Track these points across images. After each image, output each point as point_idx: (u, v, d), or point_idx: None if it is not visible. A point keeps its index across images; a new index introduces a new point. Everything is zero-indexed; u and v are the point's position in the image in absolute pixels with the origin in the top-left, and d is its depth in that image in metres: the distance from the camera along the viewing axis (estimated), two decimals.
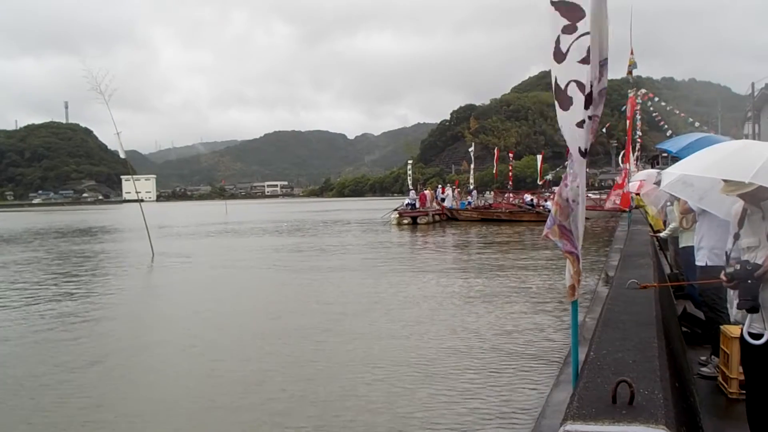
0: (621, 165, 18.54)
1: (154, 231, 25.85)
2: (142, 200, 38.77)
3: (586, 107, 2.69)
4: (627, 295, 4.42)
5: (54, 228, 44.86)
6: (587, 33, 2.64)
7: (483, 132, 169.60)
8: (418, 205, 37.48)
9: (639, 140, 29.27)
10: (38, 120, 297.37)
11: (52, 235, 36.30)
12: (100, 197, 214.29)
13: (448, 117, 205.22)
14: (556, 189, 3.05)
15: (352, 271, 16.34)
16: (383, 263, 17.77)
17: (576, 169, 2.87)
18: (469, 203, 42.13)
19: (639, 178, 10.96)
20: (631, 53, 14.82)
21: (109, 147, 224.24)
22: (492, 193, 55.29)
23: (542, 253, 18.83)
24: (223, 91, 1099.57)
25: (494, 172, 58.16)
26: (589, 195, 42.35)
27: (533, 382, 6.71)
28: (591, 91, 2.67)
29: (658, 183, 7.55)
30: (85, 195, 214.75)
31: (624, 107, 15.13)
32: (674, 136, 17.65)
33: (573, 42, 2.68)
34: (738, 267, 2.88)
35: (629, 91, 14.89)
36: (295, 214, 59.82)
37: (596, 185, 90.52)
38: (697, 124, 34.20)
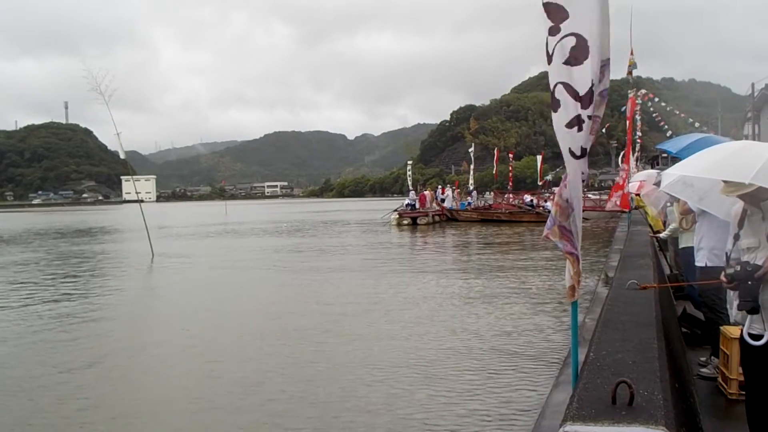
0: (621, 165, 18.53)
1: (154, 231, 25.85)
2: (142, 201, 38.79)
3: (585, 107, 2.68)
4: (627, 296, 4.41)
5: (54, 228, 44.85)
6: (570, 34, 2.64)
7: (483, 132, 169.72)
8: (417, 206, 37.47)
9: (639, 141, 29.27)
10: (38, 120, 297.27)
11: (52, 236, 36.30)
12: (100, 198, 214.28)
13: (448, 117, 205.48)
14: (556, 190, 3.05)
15: (352, 271, 16.34)
16: (383, 264, 17.76)
17: (568, 170, 2.87)
18: (469, 204, 42.12)
19: (639, 179, 10.97)
20: (631, 53, 14.82)
21: (109, 147, 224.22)
22: (492, 193, 55.27)
23: (542, 253, 18.83)
24: (223, 92, 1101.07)
25: (494, 172, 58.18)
26: (589, 195, 42.42)
27: (533, 383, 6.70)
28: (592, 91, 2.67)
29: (657, 184, 7.55)
30: (84, 195, 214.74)
31: (624, 108, 15.12)
32: (674, 136, 17.66)
33: (557, 43, 2.68)
34: (738, 268, 2.87)
35: (629, 91, 14.87)
36: (295, 214, 59.83)
37: (596, 185, 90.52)
38: (697, 124, 34.27)
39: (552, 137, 3.10)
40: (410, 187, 44.24)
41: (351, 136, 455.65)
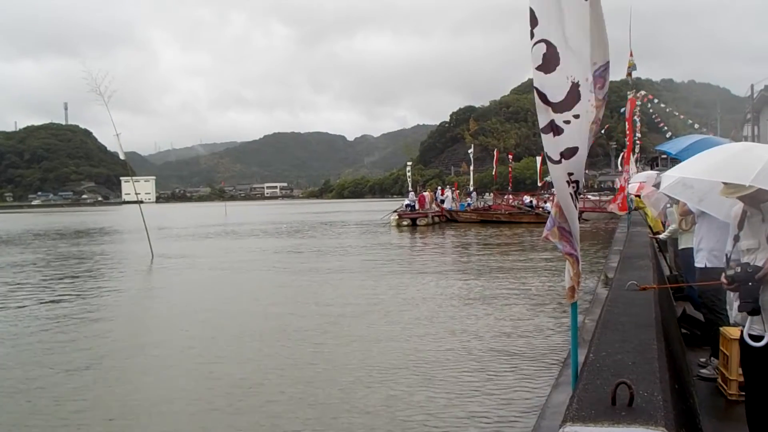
0: (620, 167, 18.52)
1: (154, 232, 25.85)
2: (141, 201, 38.75)
3: (559, 111, 2.68)
4: (626, 297, 4.41)
5: (53, 229, 44.83)
6: (541, 41, 2.64)
7: (482, 134, 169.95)
8: (417, 207, 37.47)
9: (638, 142, 29.25)
10: (38, 121, 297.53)
11: (51, 237, 36.28)
12: (100, 198, 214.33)
13: (447, 119, 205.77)
14: (555, 190, 3.04)
15: (352, 272, 16.33)
16: (382, 265, 17.75)
17: (551, 174, 2.87)
18: (469, 205, 42.13)
19: (638, 180, 10.98)
20: (631, 55, 14.82)
21: (108, 148, 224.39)
22: (491, 194, 55.27)
23: (541, 254, 18.82)
24: (223, 93, 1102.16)
25: (494, 173, 58.11)
26: (588, 196, 42.44)
27: (532, 384, 6.70)
28: (569, 97, 2.66)
29: (657, 185, 7.55)
30: (84, 196, 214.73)
31: (623, 109, 15.11)
32: (674, 137, 17.67)
33: (532, 48, 2.68)
34: (738, 269, 2.87)
35: (628, 92, 14.86)
36: (295, 215, 59.82)
37: (596, 186, 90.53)
38: (696, 125, 34.26)
39: None
40: (410, 188, 44.25)
41: (350, 137, 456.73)
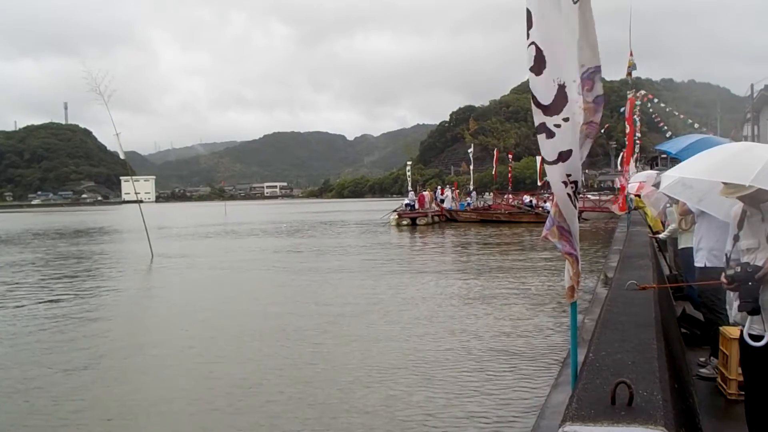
0: (620, 167, 18.52)
1: (153, 232, 25.84)
2: (141, 201, 38.76)
3: (549, 115, 2.68)
4: (626, 297, 4.40)
5: (53, 229, 44.82)
6: (532, 43, 2.64)
7: (482, 133, 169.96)
8: (417, 206, 37.48)
9: (638, 141, 29.25)
10: (37, 121, 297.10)
11: (51, 236, 36.28)
12: (100, 198, 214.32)
13: (447, 118, 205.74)
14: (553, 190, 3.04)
15: (351, 272, 16.33)
16: (382, 264, 17.75)
17: (547, 174, 2.87)
18: (469, 204, 42.13)
19: (638, 180, 10.97)
20: (630, 54, 14.82)
21: (108, 148, 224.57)
22: (491, 194, 55.26)
23: (541, 254, 18.82)
24: (222, 93, 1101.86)
25: (493, 173, 58.09)
26: (588, 196, 42.42)
27: (532, 383, 6.69)
28: (557, 100, 2.66)
29: (657, 185, 7.55)
30: (84, 196, 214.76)
31: (623, 108, 15.12)
32: (673, 137, 17.67)
33: (527, 49, 2.69)
34: (738, 269, 2.87)
35: (628, 92, 14.85)
36: (295, 215, 59.82)
37: (596, 186, 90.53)
38: (696, 125, 34.26)
39: None
40: (409, 188, 44.25)
41: (350, 137, 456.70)
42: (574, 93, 2.64)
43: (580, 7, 2.53)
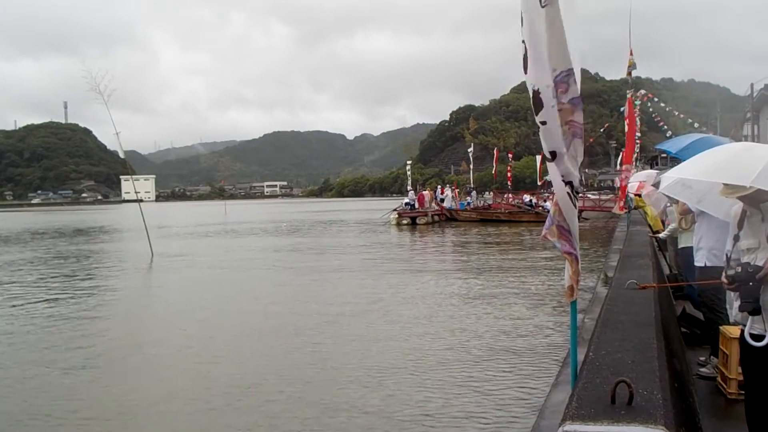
0: (619, 167, 18.52)
1: (153, 231, 25.83)
2: (141, 200, 38.78)
3: (536, 113, 2.70)
4: (626, 296, 4.40)
5: (53, 228, 44.81)
6: (522, 41, 2.65)
7: (482, 132, 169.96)
8: (417, 206, 37.48)
9: (638, 141, 29.23)
10: (37, 120, 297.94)
11: (51, 235, 36.27)
12: (99, 197, 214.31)
13: (447, 117, 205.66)
14: (554, 190, 3.04)
15: (351, 271, 16.33)
16: (382, 264, 17.75)
17: (549, 173, 2.88)
18: (468, 204, 42.12)
19: (639, 179, 10.97)
20: (631, 54, 14.80)
21: (108, 147, 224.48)
22: (491, 193, 55.24)
23: (541, 253, 18.82)
24: (222, 92, 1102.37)
25: (493, 172, 58.05)
26: (588, 195, 42.40)
27: (532, 383, 6.69)
28: (540, 99, 2.66)
29: (656, 185, 7.54)
30: (84, 195, 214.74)
31: (623, 108, 15.11)
32: (673, 136, 17.65)
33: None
34: (739, 269, 2.87)
35: (627, 92, 14.84)
36: (295, 214, 59.82)
37: (596, 185, 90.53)
38: (696, 124, 34.24)
39: None
40: (409, 187, 44.24)
41: (350, 136, 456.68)
42: (548, 96, 2.65)
43: (548, 12, 2.52)
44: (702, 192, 3.69)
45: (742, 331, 2.99)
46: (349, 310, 11.05)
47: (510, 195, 47.32)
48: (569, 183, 2.84)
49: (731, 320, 3.42)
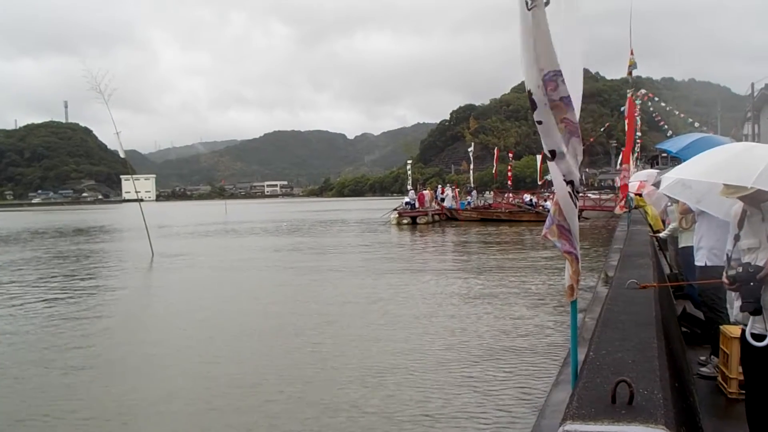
0: (619, 167, 18.53)
1: (154, 231, 25.83)
2: (141, 200, 38.79)
3: (532, 112, 2.71)
4: (626, 295, 4.39)
5: (53, 227, 44.83)
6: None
7: (483, 132, 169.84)
8: (417, 205, 37.49)
9: (639, 141, 29.25)
10: (38, 119, 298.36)
11: (51, 235, 36.27)
12: (100, 197, 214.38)
13: (447, 117, 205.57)
14: (554, 189, 3.04)
15: (351, 271, 16.32)
16: (382, 263, 17.75)
17: (551, 172, 2.88)
18: (469, 203, 42.11)
19: (639, 179, 10.96)
20: (631, 53, 14.79)
21: (108, 146, 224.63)
22: (491, 193, 55.25)
23: (542, 253, 18.81)
24: (223, 92, 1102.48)
25: (494, 172, 58.10)
26: (589, 195, 42.39)
27: (532, 382, 6.69)
28: (532, 99, 2.67)
29: (656, 184, 7.54)
30: (84, 194, 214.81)
31: (623, 107, 15.12)
32: (674, 136, 17.64)
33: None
34: (740, 270, 2.87)
35: (628, 91, 14.85)
36: (295, 214, 59.82)
37: (596, 185, 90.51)
38: (696, 124, 34.21)
39: None
40: (409, 187, 44.23)
41: (351, 136, 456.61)
42: (541, 96, 2.66)
43: (534, 14, 2.53)
44: (702, 192, 3.69)
45: (743, 331, 2.99)
46: (349, 310, 11.05)
47: (510, 194, 47.31)
48: (570, 182, 2.84)
49: (731, 320, 3.41)
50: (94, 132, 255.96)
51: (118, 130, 22.69)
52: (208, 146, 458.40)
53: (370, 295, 12.39)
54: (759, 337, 2.86)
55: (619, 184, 15.00)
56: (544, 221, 3.13)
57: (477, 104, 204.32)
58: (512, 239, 25.47)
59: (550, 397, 4.32)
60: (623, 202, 13.01)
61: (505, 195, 47.18)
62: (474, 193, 47.70)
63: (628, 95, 14.05)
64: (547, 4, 2.89)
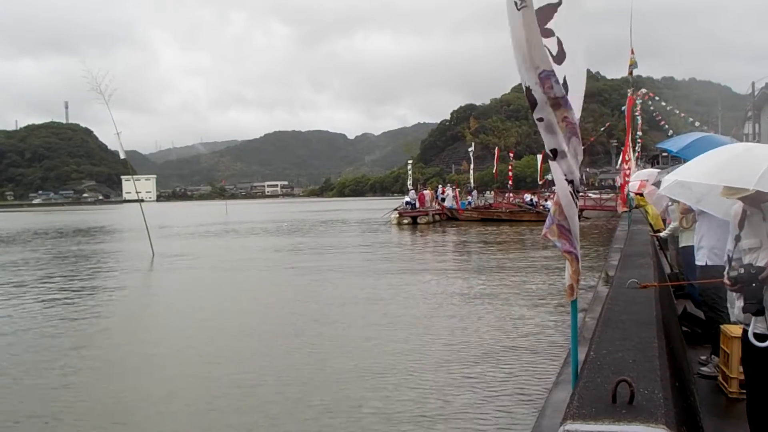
0: (619, 166, 18.55)
1: (154, 231, 25.83)
2: (142, 200, 38.75)
3: (532, 110, 2.71)
4: (627, 295, 4.39)
5: (54, 228, 44.85)
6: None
7: (483, 132, 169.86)
8: (417, 205, 37.49)
9: (639, 140, 29.21)
10: (38, 120, 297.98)
11: (52, 236, 36.29)
12: (101, 197, 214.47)
13: (448, 117, 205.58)
14: (555, 189, 3.04)
15: (352, 271, 16.32)
16: (382, 263, 17.75)
17: (552, 171, 2.87)
18: (469, 203, 42.11)
19: (640, 178, 10.95)
20: (632, 53, 14.79)
21: (109, 147, 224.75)
22: (492, 192, 55.25)
23: (542, 253, 18.81)
24: (223, 92, 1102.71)
25: (494, 171, 58.17)
26: (590, 195, 42.39)
27: (532, 382, 6.68)
28: (533, 96, 2.67)
29: (657, 184, 7.53)
30: (85, 195, 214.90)
31: (623, 107, 15.13)
32: (674, 135, 17.65)
33: None
34: (742, 271, 2.86)
35: (628, 90, 14.87)
36: (295, 214, 59.83)
37: (596, 185, 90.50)
38: (697, 123, 34.21)
39: None
40: (410, 187, 44.24)
41: (351, 136, 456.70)
42: (539, 93, 2.66)
43: (524, 13, 2.53)
44: (701, 192, 3.69)
45: (744, 331, 2.98)
46: (349, 310, 11.05)
47: (511, 194, 47.31)
48: (570, 182, 2.84)
49: (732, 319, 3.42)
50: (95, 132, 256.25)
51: (118, 131, 22.74)
52: (208, 146, 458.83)
53: (371, 295, 12.38)
54: (762, 338, 2.86)
55: (620, 184, 15.02)
56: (545, 221, 3.13)
57: (477, 104, 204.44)
58: (513, 239, 25.47)
59: (551, 396, 4.31)
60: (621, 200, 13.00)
61: (506, 195, 47.18)
62: (474, 192, 47.70)
63: (629, 95, 14.06)
64: (559, 4, 2.90)
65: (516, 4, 2.47)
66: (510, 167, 54.76)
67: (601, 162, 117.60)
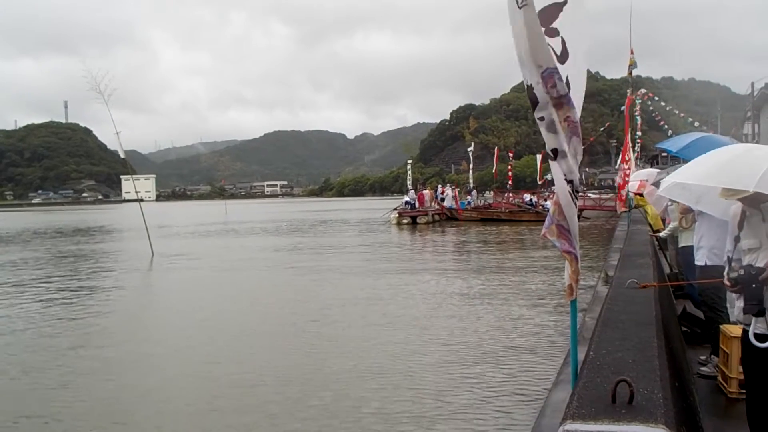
0: (619, 165, 18.55)
1: (154, 231, 25.82)
2: (141, 200, 38.81)
3: (533, 110, 2.71)
4: (626, 295, 4.39)
5: (53, 228, 44.82)
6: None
7: (482, 132, 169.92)
8: (417, 205, 37.49)
9: (639, 140, 29.23)
10: (38, 120, 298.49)
11: (51, 235, 36.27)
12: (100, 197, 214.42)
13: (447, 117, 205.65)
14: (555, 188, 3.04)
15: (351, 271, 16.32)
16: (382, 263, 17.74)
17: (552, 171, 2.87)
18: (469, 203, 42.11)
19: (639, 178, 10.95)
20: (631, 53, 14.80)
21: (108, 147, 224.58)
22: (491, 192, 55.24)
23: (542, 252, 18.81)
24: (223, 92, 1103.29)
25: (494, 171, 58.11)
26: (589, 195, 42.39)
27: (532, 382, 6.68)
28: (534, 95, 2.67)
29: (656, 184, 7.53)
30: (84, 195, 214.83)
31: (623, 107, 15.14)
32: (674, 135, 17.64)
33: None
34: (742, 272, 2.86)
35: (627, 90, 14.88)
36: (295, 213, 59.81)
37: (596, 184, 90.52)
38: (696, 123, 34.18)
39: None
40: (409, 186, 44.23)
41: (351, 136, 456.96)
42: (541, 92, 2.66)
43: (525, 12, 2.53)
44: (700, 192, 3.69)
45: (744, 331, 2.98)
46: (349, 310, 11.04)
47: (510, 194, 47.31)
48: (570, 182, 2.84)
49: (732, 319, 3.42)
50: (94, 132, 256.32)
51: (118, 130, 22.74)
52: (208, 146, 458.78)
53: (370, 295, 12.38)
54: (762, 338, 2.86)
55: (619, 183, 15.01)
56: (544, 221, 3.13)
57: (477, 104, 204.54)
58: (512, 239, 25.47)
59: (550, 396, 4.32)
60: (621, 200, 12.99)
61: (505, 195, 47.17)
62: (474, 192, 47.71)
63: (629, 95, 14.07)
64: (564, 3, 2.90)
65: (517, 2, 2.47)
66: (509, 167, 54.75)
67: (601, 162, 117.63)
